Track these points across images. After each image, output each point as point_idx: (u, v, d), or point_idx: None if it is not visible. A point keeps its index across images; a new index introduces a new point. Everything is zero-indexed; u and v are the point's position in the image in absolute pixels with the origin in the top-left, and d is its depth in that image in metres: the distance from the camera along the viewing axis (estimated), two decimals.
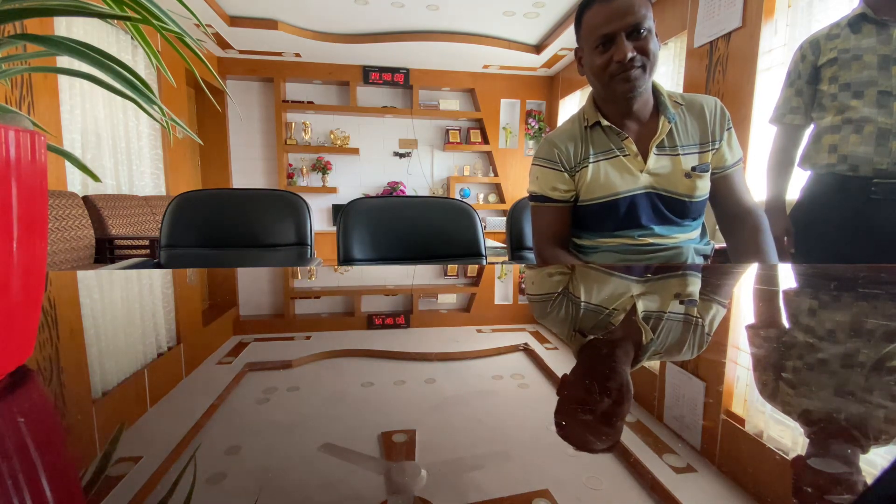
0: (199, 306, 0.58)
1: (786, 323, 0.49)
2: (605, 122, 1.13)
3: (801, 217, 1.56)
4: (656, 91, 1.14)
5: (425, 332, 0.46)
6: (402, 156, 6.09)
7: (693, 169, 1.10)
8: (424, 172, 6.16)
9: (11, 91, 2.54)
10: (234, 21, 4.49)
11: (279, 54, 5.40)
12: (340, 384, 0.31)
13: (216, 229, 1.63)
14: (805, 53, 1.49)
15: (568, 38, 4.60)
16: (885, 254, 1.37)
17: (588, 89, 2.71)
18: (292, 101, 5.62)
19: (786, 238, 1.59)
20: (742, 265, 1.03)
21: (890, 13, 1.33)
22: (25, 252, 0.29)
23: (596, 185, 1.13)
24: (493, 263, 1.17)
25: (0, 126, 0.27)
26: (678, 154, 1.10)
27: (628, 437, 0.24)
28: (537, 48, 5.15)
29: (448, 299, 0.63)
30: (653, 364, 0.35)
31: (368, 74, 5.67)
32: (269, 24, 4.55)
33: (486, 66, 5.74)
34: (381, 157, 6.06)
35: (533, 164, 1.23)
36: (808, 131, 1.56)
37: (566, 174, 1.16)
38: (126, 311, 0.54)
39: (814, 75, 1.49)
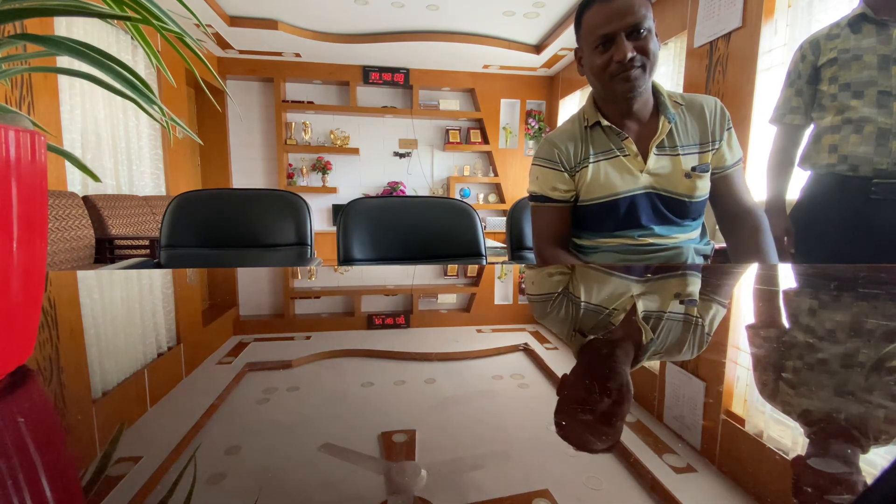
0: (199, 306, 0.58)
1: (786, 323, 0.49)
2: (605, 122, 1.13)
3: (801, 217, 1.56)
4: (656, 91, 1.14)
5: (425, 332, 0.46)
6: (402, 156, 6.09)
7: (693, 169, 1.10)
8: (424, 172, 6.16)
9: (11, 91, 2.54)
10: (234, 21, 4.49)
11: (279, 54, 5.40)
12: (340, 384, 0.31)
13: (216, 229, 1.63)
14: (805, 53, 1.49)
15: (568, 38, 4.60)
16: (885, 254, 1.37)
17: (588, 89, 2.71)
18: (292, 101, 5.62)
19: (786, 238, 1.59)
20: (742, 265, 1.03)
21: (890, 13, 1.33)
22: (25, 252, 0.29)
23: (596, 185, 1.13)
24: (493, 263, 1.17)
25: (0, 126, 0.27)
26: (678, 154, 1.10)
27: (628, 437, 0.24)
28: (537, 48, 5.15)
29: (448, 299, 0.63)
30: (653, 364, 0.35)
31: (368, 74, 5.67)
32: (269, 24, 4.55)
33: (486, 66, 5.74)
34: (381, 157, 6.06)
35: (533, 164, 1.23)
36: (808, 131, 1.56)
37: (566, 174, 1.16)
38: (126, 311, 0.54)
39: (814, 75, 1.49)
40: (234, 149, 5.77)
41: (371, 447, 0.23)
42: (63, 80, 2.96)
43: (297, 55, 5.42)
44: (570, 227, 1.22)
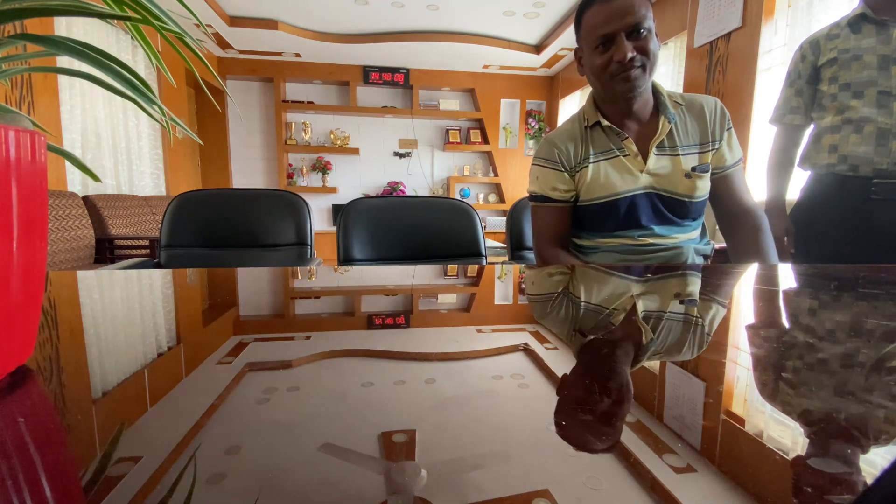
0: (199, 306, 0.58)
1: (786, 323, 0.49)
2: (605, 122, 1.13)
3: (801, 217, 1.56)
4: (656, 91, 1.14)
5: (425, 332, 0.46)
6: (402, 156, 6.09)
7: (693, 169, 1.10)
8: (424, 172, 6.16)
9: (11, 91, 2.54)
10: (234, 21, 4.49)
11: (279, 54, 5.40)
12: (340, 384, 0.31)
13: (216, 229, 1.63)
14: (805, 53, 1.49)
15: (568, 38, 4.60)
16: (885, 254, 1.37)
17: (588, 89, 2.71)
18: (292, 101, 5.62)
19: (786, 238, 1.59)
20: (742, 265, 1.03)
21: (890, 13, 1.33)
22: (25, 252, 0.29)
23: (596, 186, 1.13)
24: (493, 263, 1.17)
25: (0, 126, 0.27)
26: (678, 154, 1.10)
27: (628, 437, 0.24)
28: (537, 48, 5.15)
29: (448, 299, 0.63)
30: (653, 364, 0.35)
31: (368, 74, 5.67)
32: (269, 24, 4.55)
33: (486, 66, 5.74)
34: (381, 157, 6.06)
35: (533, 164, 1.23)
36: (808, 131, 1.56)
37: (566, 174, 1.16)
38: (126, 311, 0.54)
39: (814, 75, 1.49)
40: (234, 149, 5.77)
41: (371, 447, 0.23)
42: (63, 80, 2.96)
43: (297, 55, 5.42)
44: (570, 227, 1.22)
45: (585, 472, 0.21)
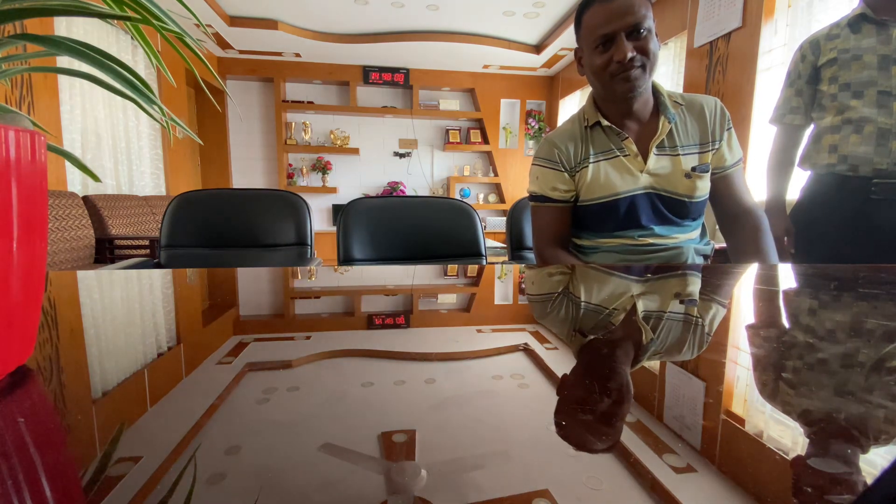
0: (199, 306, 0.58)
1: (786, 323, 0.49)
2: (605, 123, 1.13)
3: (801, 217, 1.56)
4: (656, 91, 1.14)
5: (425, 332, 0.46)
6: (402, 156, 6.09)
7: (693, 169, 1.10)
8: (424, 172, 6.16)
9: (11, 91, 2.54)
10: (234, 21, 4.49)
11: (279, 54, 5.40)
12: (340, 384, 0.31)
13: (216, 229, 1.63)
14: (805, 53, 1.49)
15: (568, 38, 4.60)
16: (885, 254, 1.37)
17: (588, 89, 2.71)
18: (292, 101, 5.62)
19: (786, 238, 1.59)
20: (742, 265, 1.03)
21: (890, 13, 1.33)
22: (25, 252, 0.29)
23: (596, 186, 1.13)
24: (493, 263, 1.17)
25: (0, 126, 0.27)
26: (678, 154, 1.10)
27: (628, 437, 0.24)
28: (537, 48, 5.15)
29: (448, 299, 0.63)
30: (653, 364, 0.35)
31: (368, 74, 5.67)
32: (269, 24, 4.55)
33: (486, 66, 5.74)
34: (381, 157, 6.06)
35: (533, 164, 1.23)
36: (808, 131, 1.56)
37: (566, 174, 1.16)
38: (126, 311, 0.54)
39: (814, 75, 1.49)
40: (234, 149, 5.77)
41: (371, 447, 0.23)
42: (63, 80, 2.96)
43: (297, 55, 5.42)
44: (570, 227, 1.22)
45: (585, 472, 0.21)
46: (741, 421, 0.26)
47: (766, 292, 0.65)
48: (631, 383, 0.31)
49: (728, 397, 0.29)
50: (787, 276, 0.78)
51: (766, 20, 2.71)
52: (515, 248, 1.76)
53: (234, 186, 5.76)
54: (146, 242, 2.97)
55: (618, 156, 1.12)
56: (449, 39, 4.85)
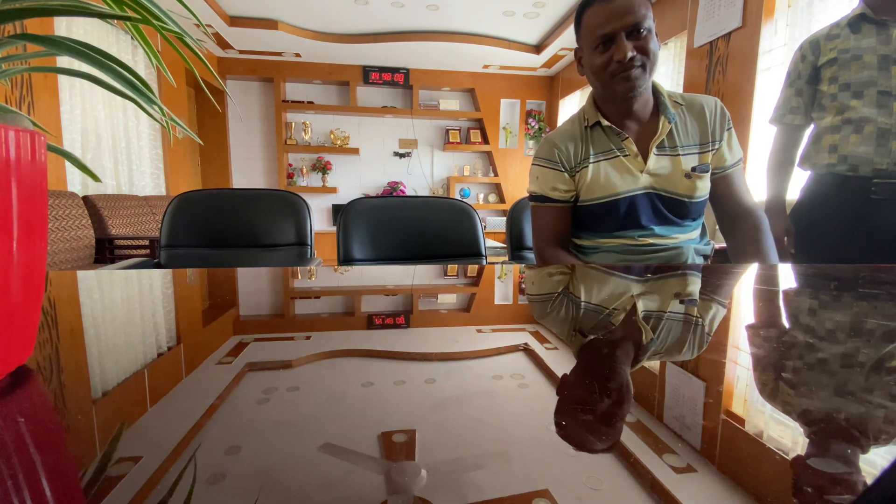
0: (199, 306, 0.58)
1: (786, 323, 0.49)
2: (605, 123, 1.13)
3: (801, 217, 1.56)
4: (656, 91, 1.14)
5: (425, 332, 0.46)
6: (402, 156, 6.09)
7: (693, 169, 1.10)
8: (424, 172, 6.16)
9: (11, 91, 2.54)
10: (234, 21, 4.49)
11: (279, 54, 5.40)
12: (340, 384, 0.31)
13: (216, 229, 1.63)
14: (805, 53, 1.49)
15: (568, 38, 4.60)
16: (885, 254, 1.37)
17: (588, 89, 2.71)
18: (292, 101, 5.62)
19: (786, 238, 1.59)
20: (742, 265, 1.03)
21: (890, 13, 1.33)
22: (25, 252, 0.29)
23: (596, 186, 1.13)
24: (493, 263, 1.17)
25: (0, 126, 0.27)
26: (678, 154, 1.10)
27: (628, 437, 0.24)
28: (537, 48, 5.15)
29: (448, 299, 0.63)
30: (653, 364, 0.35)
31: (368, 74, 5.67)
32: (269, 24, 4.55)
33: (486, 66, 5.74)
34: (381, 157, 6.06)
35: (533, 164, 1.23)
36: (808, 131, 1.56)
37: (566, 174, 1.16)
38: (126, 311, 0.54)
39: (814, 75, 1.49)
40: (234, 149, 5.77)
41: (371, 447, 0.23)
42: (63, 80, 2.96)
43: (297, 55, 5.42)
44: (570, 227, 1.22)
45: (585, 472, 0.21)
46: (741, 421, 0.26)
47: (766, 292, 0.65)
48: (631, 383, 0.31)
49: (728, 397, 0.29)
50: (787, 276, 0.78)
51: (766, 20, 2.71)
52: (515, 248, 1.76)
53: (234, 186, 5.76)
54: (146, 242, 2.97)
55: (618, 156, 1.12)
56: (449, 39, 4.85)
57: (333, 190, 5.80)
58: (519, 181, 6.06)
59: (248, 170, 5.82)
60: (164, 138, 4.20)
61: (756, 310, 0.55)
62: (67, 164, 2.94)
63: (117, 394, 0.29)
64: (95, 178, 0.38)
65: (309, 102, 5.68)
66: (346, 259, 1.44)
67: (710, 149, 1.12)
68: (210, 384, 0.31)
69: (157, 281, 0.69)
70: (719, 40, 3.03)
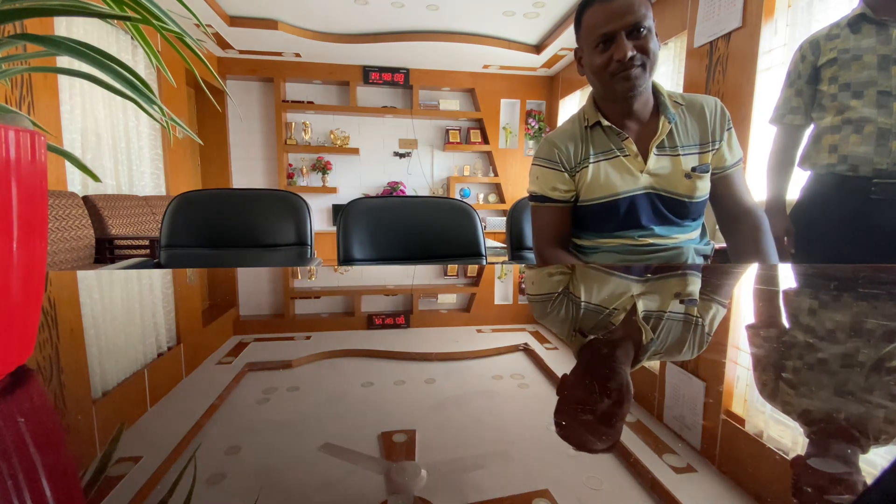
0: (199, 306, 0.58)
1: (786, 323, 0.49)
2: (605, 122, 1.13)
3: (801, 217, 1.56)
4: (656, 91, 1.14)
5: (425, 332, 0.46)
6: (402, 156, 6.09)
7: (693, 169, 1.10)
8: (424, 172, 6.16)
9: (11, 91, 2.54)
10: (234, 21, 4.49)
11: (279, 54, 5.40)
12: (340, 384, 0.31)
13: (216, 229, 1.63)
14: (805, 53, 1.49)
15: (568, 38, 4.60)
16: (885, 254, 1.37)
17: (588, 89, 2.71)
18: (292, 101, 5.62)
19: (786, 238, 1.59)
20: (742, 265, 1.03)
21: (890, 13, 1.33)
22: (25, 252, 0.29)
23: (596, 186, 1.13)
24: (493, 263, 1.17)
25: (0, 126, 0.27)
26: (678, 154, 1.10)
27: (628, 437, 0.24)
28: (537, 48, 5.15)
29: (448, 299, 0.63)
30: (653, 364, 0.35)
31: (368, 74, 5.67)
32: (269, 24, 4.55)
33: (486, 66, 5.74)
34: (381, 157, 6.06)
35: (533, 164, 1.23)
36: (808, 131, 1.56)
37: (566, 174, 1.16)
38: (126, 311, 0.54)
39: (814, 75, 1.49)
40: (234, 149, 5.77)
41: (371, 447, 0.23)
42: (63, 80, 2.96)
43: (297, 55, 5.42)
44: (570, 227, 1.22)
45: (585, 472, 0.21)
46: (741, 421, 0.26)
47: (766, 292, 0.65)
48: (631, 383, 0.31)
49: (728, 397, 0.29)
50: (787, 277, 0.78)
51: (766, 20, 2.71)
52: (515, 248, 1.76)
53: (234, 186, 5.76)
54: (146, 242, 2.97)
55: (618, 156, 1.12)
56: (449, 39, 4.85)
57: (333, 190, 5.80)
58: (519, 181, 6.06)
59: (248, 170, 5.82)
60: (164, 138, 4.20)
61: (756, 310, 0.55)
62: (67, 164, 2.94)
63: (117, 394, 0.29)
64: (95, 178, 0.38)
65: (309, 102, 5.68)
66: (346, 259, 1.44)
67: (711, 149, 1.12)
68: (210, 384, 0.31)
69: (157, 281, 0.69)
70: (719, 40, 3.03)
